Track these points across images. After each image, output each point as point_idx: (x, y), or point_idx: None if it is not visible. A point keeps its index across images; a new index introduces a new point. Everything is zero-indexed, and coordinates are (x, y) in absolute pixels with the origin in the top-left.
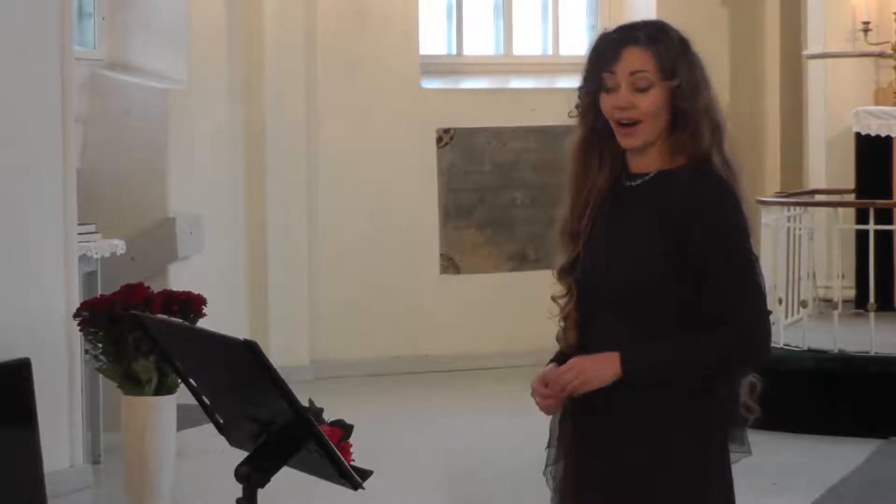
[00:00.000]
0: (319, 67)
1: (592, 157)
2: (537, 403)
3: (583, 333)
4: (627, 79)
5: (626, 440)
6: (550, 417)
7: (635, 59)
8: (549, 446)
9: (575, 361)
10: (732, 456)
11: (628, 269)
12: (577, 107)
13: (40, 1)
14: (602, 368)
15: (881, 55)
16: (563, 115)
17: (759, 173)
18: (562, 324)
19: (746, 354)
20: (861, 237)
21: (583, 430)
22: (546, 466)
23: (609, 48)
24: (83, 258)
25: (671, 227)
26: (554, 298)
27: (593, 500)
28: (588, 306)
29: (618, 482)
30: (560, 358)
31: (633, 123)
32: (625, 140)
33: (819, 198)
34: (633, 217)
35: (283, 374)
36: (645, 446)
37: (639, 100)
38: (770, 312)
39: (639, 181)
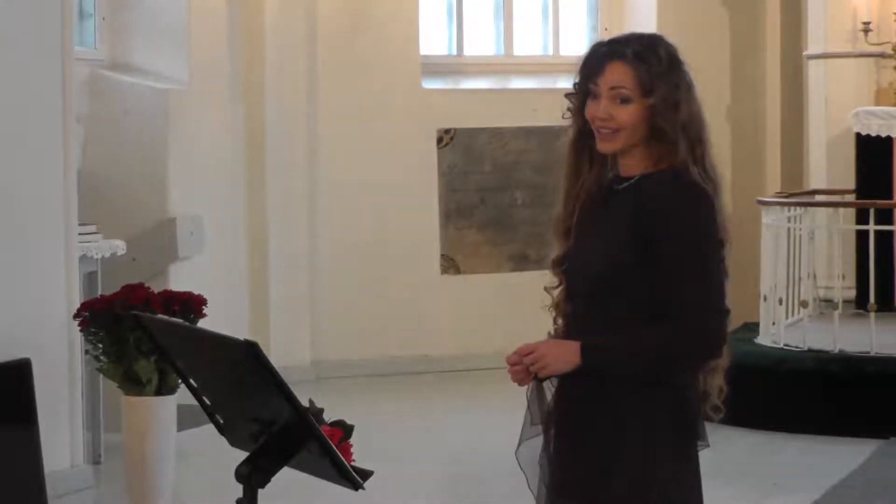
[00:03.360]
0: (319, 67)
1: (583, 157)
2: (509, 372)
3: (569, 323)
4: (608, 92)
5: (583, 429)
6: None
7: (616, 75)
8: (532, 423)
9: (539, 344)
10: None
11: (600, 264)
12: (569, 108)
13: (40, 1)
14: (562, 355)
15: (882, 55)
16: (563, 115)
17: (759, 173)
18: (553, 312)
19: (692, 352)
20: (861, 237)
21: (555, 418)
22: (519, 445)
23: (595, 59)
24: (84, 258)
25: (641, 227)
26: (546, 289)
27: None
28: (571, 298)
29: (572, 471)
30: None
31: (612, 132)
32: (601, 144)
33: (819, 198)
34: (613, 216)
35: (283, 375)
36: (599, 436)
37: (617, 112)
38: (728, 313)
39: (625, 184)
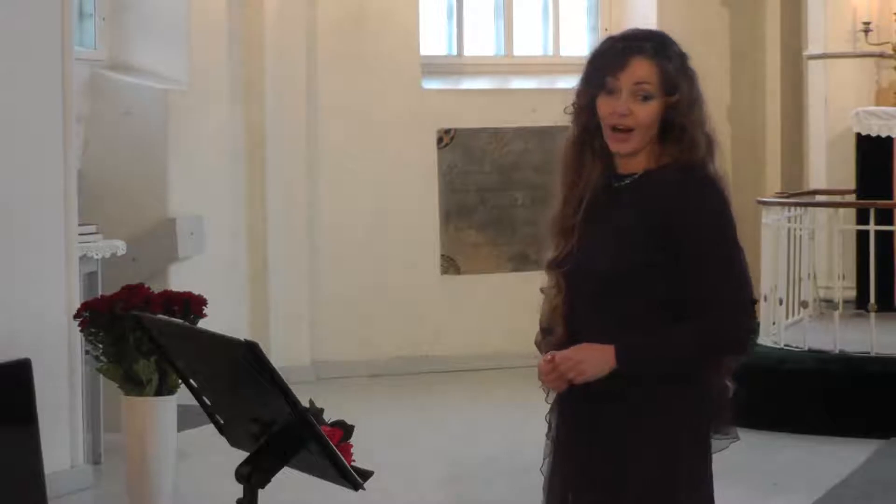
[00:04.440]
0: (319, 68)
1: (586, 155)
2: (545, 383)
3: (570, 325)
4: (630, 87)
5: (602, 427)
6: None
7: (641, 70)
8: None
9: (572, 352)
10: (721, 443)
11: (610, 263)
12: (572, 105)
13: (40, 1)
14: (598, 360)
15: (882, 55)
16: (563, 115)
17: (759, 174)
18: (545, 317)
19: (727, 344)
20: (862, 238)
21: (567, 418)
22: (543, 460)
23: (616, 54)
24: (84, 259)
25: (655, 223)
26: (544, 291)
27: (576, 487)
28: (575, 298)
29: (591, 470)
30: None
31: (626, 130)
32: (616, 145)
33: (820, 198)
34: (619, 214)
35: (283, 375)
36: (620, 436)
37: (638, 109)
38: (755, 302)
39: (626, 181)
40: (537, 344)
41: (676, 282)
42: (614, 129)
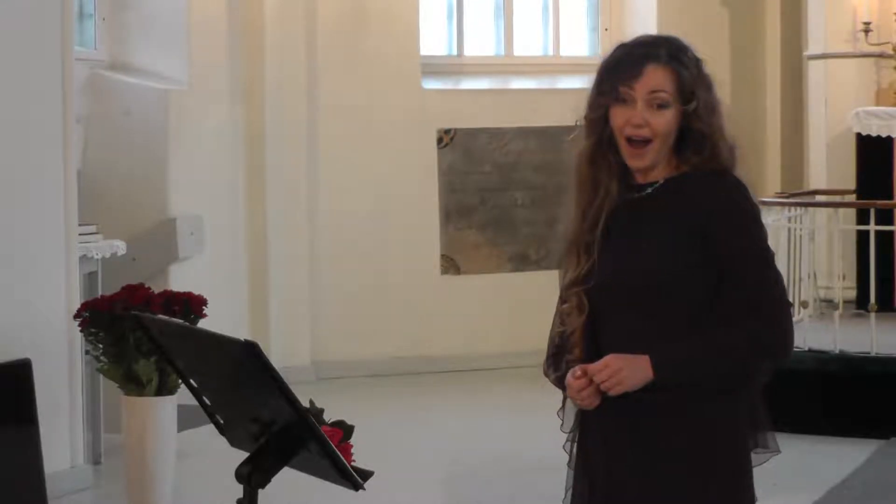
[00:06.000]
0: (319, 68)
1: (602, 168)
2: (575, 400)
3: (593, 344)
4: (646, 96)
5: (665, 442)
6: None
7: (657, 78)
8: (569, 467)
9: (609, 360)
10: (762, 456)
11: (651, 270)
12: (585, 117)
13: (41, 1)
14: (635, 369)
15: (882, 56)
16: (563, 115)
17: (759, 174)
18: (560, 332)
19: (773, 345)
20: (862, 238)
21: (601, 436)
22: (566, 491)
23: (630, 62)
24: (84, 259)
25: (692, 228)
26: (562, 313)
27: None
28: (608, 311)
29: (653, 487)
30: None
31: (643, 142)
32: (633, 160)
33: (820, 198)
34: (649, 221)
35: (284, 375)
36: (672, 448)
37: (654, 118)
38: (791, 305)
39: (649, 190)
40: (546, 373)
41: (709, 287)
42: (629, 140)
